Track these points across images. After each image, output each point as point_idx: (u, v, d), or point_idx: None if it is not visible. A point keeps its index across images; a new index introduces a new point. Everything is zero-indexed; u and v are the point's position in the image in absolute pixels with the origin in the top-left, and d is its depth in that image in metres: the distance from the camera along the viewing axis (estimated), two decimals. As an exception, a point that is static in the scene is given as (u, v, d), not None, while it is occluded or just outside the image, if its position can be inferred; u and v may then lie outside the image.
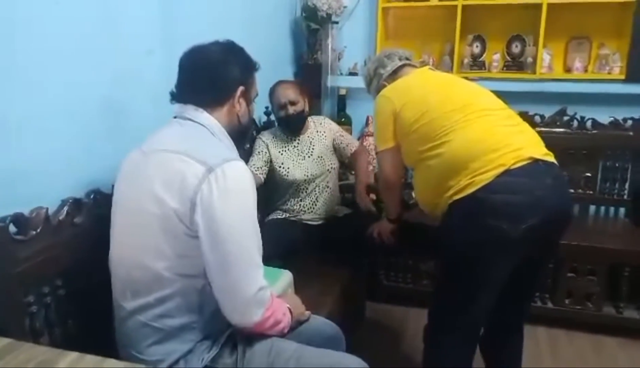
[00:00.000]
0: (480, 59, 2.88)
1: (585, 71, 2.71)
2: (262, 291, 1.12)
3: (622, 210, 2.67)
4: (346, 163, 2.40)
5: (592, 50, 2.73)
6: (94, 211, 1.31)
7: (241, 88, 1.25)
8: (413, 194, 2.05)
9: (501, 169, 1.40)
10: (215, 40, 1.26)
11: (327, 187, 2.23)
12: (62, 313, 1.23)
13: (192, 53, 1.24)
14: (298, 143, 2.21)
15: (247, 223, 1.11)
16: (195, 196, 1.05)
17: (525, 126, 1.59)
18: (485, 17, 2.82)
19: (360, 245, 2.09)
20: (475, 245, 1.42)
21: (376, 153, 1.84)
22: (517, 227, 1.37)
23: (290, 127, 2.19)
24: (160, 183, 1.09)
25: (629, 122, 2.56)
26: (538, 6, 2.59)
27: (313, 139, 2.23)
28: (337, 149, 2.29)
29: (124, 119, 1.53)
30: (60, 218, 1.23)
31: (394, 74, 1.85)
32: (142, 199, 1.10)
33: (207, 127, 1.20)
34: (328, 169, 2.22)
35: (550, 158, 1.49)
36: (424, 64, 1.93)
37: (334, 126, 2.35)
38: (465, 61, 2.88)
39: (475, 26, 2.84)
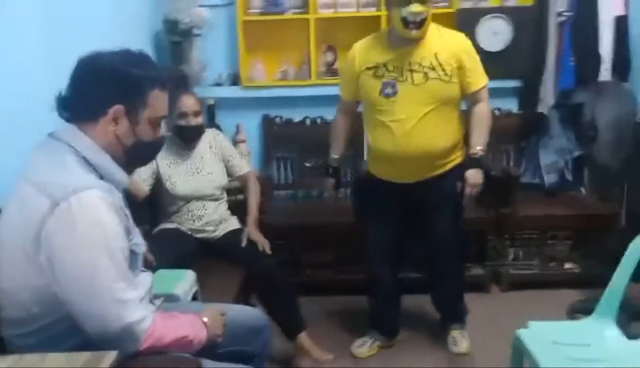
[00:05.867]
0: (334, 67, 3.16)
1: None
2: (133, 326, 1.04)
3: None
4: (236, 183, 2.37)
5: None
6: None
7: (118, 106, 1.12)
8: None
9: None
10: (118, 48, 1.16)
11: (215, 201, 2.21)
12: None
13: (77, 62, 1.14)
14: (188, 158, 2.18)
15: (100, 256, 1.03)
16: (39, 234, 1.01)
17: None
18: (335, 28, 3.11)
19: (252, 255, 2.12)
20: None
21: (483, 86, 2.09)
22: None
23: (187, 138, 2.16)
24: (17, 217, 1.07)
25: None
26: (377, 18, 2.95)
27: (205, 154, 2.21)
28: (226, 167, 2.28)
29: (19, 133, 1.43)
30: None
31: None
32: (7, 231, 1.10)
33: (74, 147, 1.11)
34: (217, 187, 2.20)
35: None
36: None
37: (227, 143, 2.37)
38: (322, 68, 3.16)
39: (328, 36, 3.12)
